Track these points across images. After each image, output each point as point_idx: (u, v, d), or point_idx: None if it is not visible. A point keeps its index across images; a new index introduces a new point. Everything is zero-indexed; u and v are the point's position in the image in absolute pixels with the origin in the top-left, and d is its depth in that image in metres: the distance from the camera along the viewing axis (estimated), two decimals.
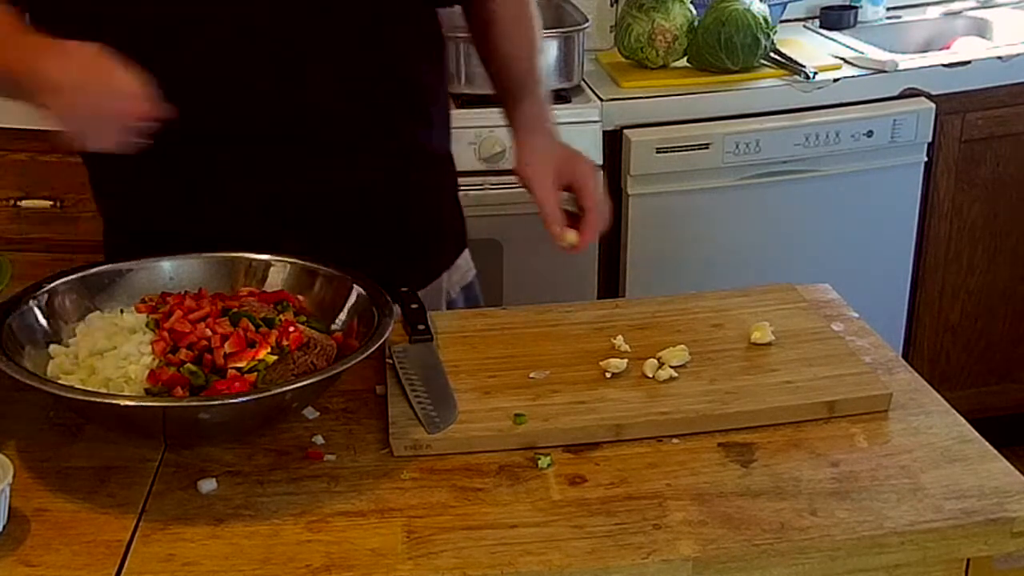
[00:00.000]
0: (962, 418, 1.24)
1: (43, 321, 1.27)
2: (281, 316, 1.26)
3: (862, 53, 2.66)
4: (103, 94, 1.20)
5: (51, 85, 1.20)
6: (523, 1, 1.59)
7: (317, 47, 1.39)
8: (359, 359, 1.18)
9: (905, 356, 2.54)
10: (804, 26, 2.98)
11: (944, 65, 2.63)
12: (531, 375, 1.30)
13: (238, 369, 1.18)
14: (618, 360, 1.31)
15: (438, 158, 1.59)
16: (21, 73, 1.22)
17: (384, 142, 1.47)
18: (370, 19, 1.41)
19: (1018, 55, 2.67)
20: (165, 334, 1.21)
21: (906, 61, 2.63)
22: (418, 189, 1.54)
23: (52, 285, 1.31)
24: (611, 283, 2.56)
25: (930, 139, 2.61)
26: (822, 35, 2.89)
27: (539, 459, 1.17)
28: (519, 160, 1.50)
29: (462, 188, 1.64)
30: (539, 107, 1.55)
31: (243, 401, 1.14)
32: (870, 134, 2.54)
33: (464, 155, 2.31)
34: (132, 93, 1.20)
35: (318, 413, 1.25)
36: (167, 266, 1.38)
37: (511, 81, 1.57)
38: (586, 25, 2.56)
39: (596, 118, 2.46)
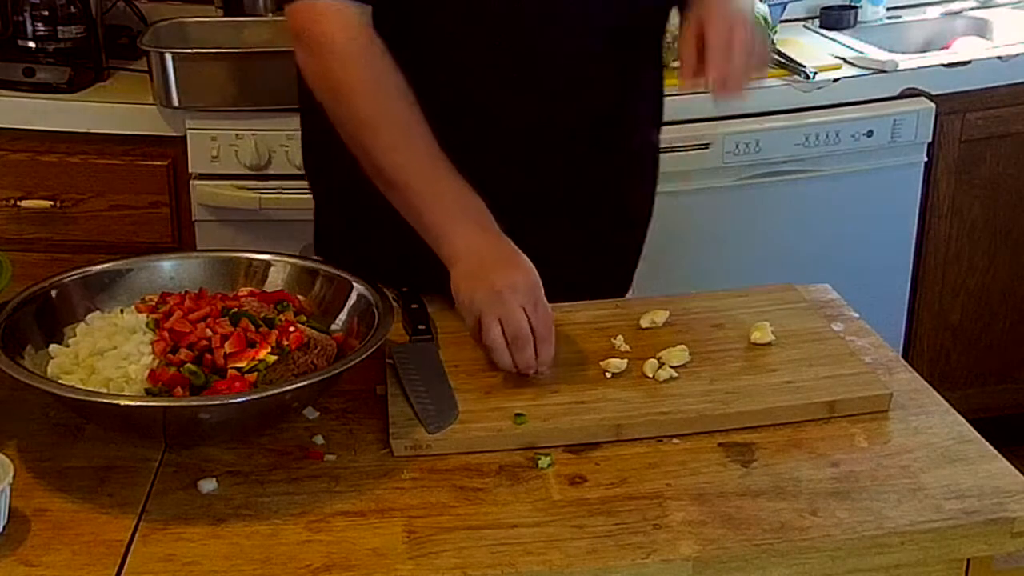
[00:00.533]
0: (962, 418, 1.24)
1: (43, 321, 1.27)
2: (281, 316, 1.26)
3: (862, 53, 2.66)
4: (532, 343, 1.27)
5: (489, 292, 1.26)
6: None
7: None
8: (359, 359, 1.19)
9: (905, 356, 2.53)
10: (804, 26, 2.97)
11: (944, 65, 2.62)
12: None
13: (238, 369, 1.18)
14: (618, 360, 1.31)
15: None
16: (451, 247, 1.31)
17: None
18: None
19: (1018, 55, 2.66)
20: (165, 334, 1.21)
21: (906, 61, 2.63)
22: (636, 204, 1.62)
23: (52, 285, 1.31)
24: None
25: (930, 139, 2.60)
26: (822, 35, 2.88)
27: (539, 459, 1.17)
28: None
29: None
30: None
31: (243, 401, 1.14)
32: (870, 134, 2.54)
33: None
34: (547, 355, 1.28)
35: (318, 413, 1.25)
36: (167, 266, 1.38)
37: None
38: None
39: None
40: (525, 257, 1.30)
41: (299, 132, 1.63)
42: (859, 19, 2.97)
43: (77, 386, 1.17)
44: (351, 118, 1.36)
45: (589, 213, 1.58)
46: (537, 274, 1.29)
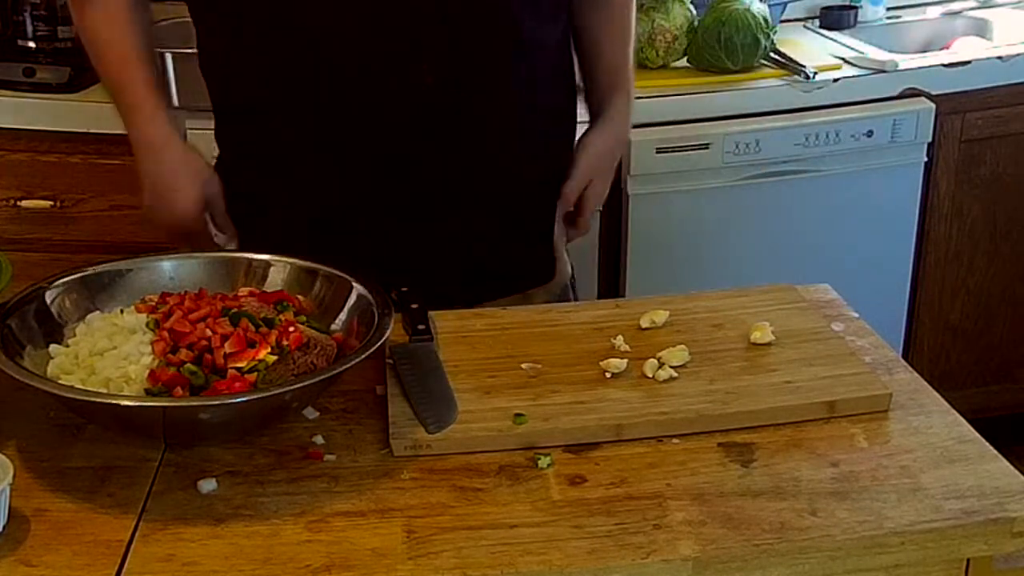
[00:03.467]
0: (962, 418, 1.24)
1: (43, 321, 1.27)
2: (281, 316, 1.26)
3: (862, 53, 2.66)
4: (165, 211, 1.55)
5: (141, 174, 1.56)
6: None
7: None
8: (359, 359, 1.19)
9: (905, 356, 2.53)
10: (804, 26, 2.98)
11: (944, 65, 2.63)
12: (522, 365, 1.30)
13: (238, 369, 1.18)
14: (618, 360, 1.31)
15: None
16: (130, 136, 1.57)
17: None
18: None
19: (1018, 55, 2.67)
20: (165, 334, 1.21)
21: (906, 61, 2.63)
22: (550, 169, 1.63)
23: (52, 285, 1.31)
24: (611, 283, 2.56)
25: (930, 139, 2.61)
26: (822, 35, 2.89)
27: (539, 459, 1.17)
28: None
29: None
30: (618, 102, 1.68)
31: (243, 401, 1.14)
32: (870, 134, 2.54)
33: None
34: (185, 215, 1.53)
35: (318, 413, 1.25)
36: (167, 266, 1.38)
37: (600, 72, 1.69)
38: None
39: None
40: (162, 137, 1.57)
41: None
42: (859, 19, 2.97)
43: (77, 386, 1.17)
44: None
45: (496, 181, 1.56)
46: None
